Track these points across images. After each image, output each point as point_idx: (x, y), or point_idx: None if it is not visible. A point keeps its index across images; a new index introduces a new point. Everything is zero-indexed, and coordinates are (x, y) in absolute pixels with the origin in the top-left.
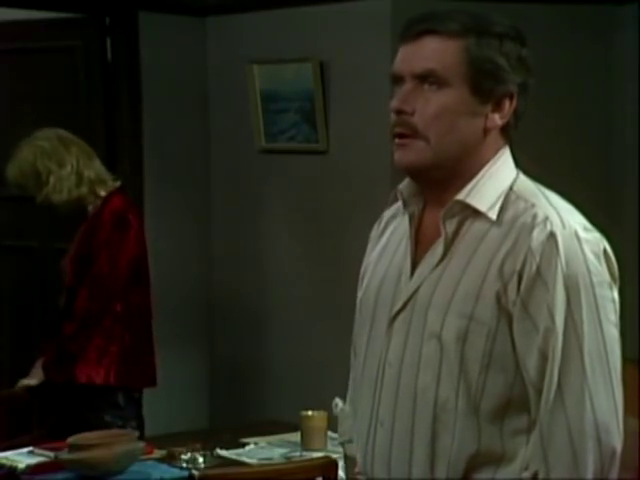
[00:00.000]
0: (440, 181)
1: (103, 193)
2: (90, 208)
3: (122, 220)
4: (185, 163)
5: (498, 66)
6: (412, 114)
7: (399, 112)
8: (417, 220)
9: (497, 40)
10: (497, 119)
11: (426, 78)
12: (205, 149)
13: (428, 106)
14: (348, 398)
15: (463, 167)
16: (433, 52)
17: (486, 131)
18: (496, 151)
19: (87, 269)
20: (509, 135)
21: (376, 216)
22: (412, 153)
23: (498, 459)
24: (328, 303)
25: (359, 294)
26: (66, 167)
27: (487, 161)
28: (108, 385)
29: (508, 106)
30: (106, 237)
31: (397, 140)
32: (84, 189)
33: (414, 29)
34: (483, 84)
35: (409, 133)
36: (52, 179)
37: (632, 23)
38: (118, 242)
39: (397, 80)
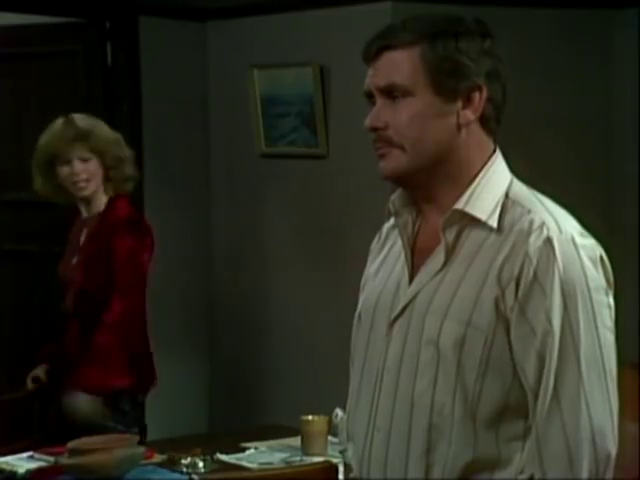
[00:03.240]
0: (430, 187)
1: (110, 192)
2: (93, 207)
3: (138, 225)
4: (185, 167)
5: (457, 62)
6: (386, 128)
7: (372, 129)
8: (413, 229)
9: (452, 40)
10: (469, 114)
11: (391, 92)
12: (205, 153)
13: (398, 117)
14: (347, 408)
15: (449, 169)
16: (391, 66)
17: (459, 127)
18: (482, 148)
19: (105, 274)
20: (492, 128)
21: (376, 220)
22: (390, 162)
23: (493, 465)
24: (329, 306)
25: (359, 305)
26: None
27: (476, 162)
28: (116, 390)
29: (479, 99)
30: (131, 244)
31: (378, 151)
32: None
33: (372, 48)
34: (445, 84)
35: (387, 145)
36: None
37: (632, 27)
38: (140, 248)
39: (369, 98)
